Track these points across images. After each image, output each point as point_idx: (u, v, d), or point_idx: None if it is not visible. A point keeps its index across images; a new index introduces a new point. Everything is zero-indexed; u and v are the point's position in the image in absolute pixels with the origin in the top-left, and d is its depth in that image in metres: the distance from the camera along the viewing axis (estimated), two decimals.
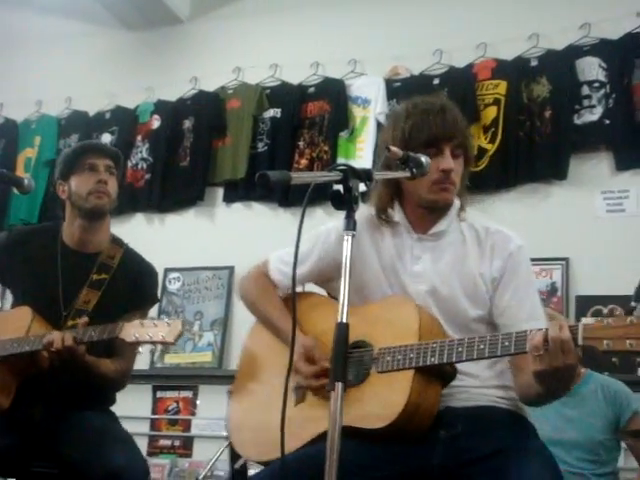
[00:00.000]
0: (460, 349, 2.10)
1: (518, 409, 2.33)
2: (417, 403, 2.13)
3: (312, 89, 5.92)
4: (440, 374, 2.19)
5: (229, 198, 6.04)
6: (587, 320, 1.99)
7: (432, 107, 2.39)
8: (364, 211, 2.51)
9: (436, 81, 5.55)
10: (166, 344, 2.69)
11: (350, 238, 1.96)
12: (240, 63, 6.17)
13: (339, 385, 1.82)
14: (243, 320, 5.60)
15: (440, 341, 2.15)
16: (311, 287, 2.64)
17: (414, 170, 2.15)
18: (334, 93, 5.81)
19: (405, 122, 2.37)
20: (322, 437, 2.11)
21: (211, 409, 5.63)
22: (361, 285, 2.39)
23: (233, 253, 5.84)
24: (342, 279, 1.92)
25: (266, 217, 5.91)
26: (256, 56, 6.12)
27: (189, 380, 5.80)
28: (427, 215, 2.43)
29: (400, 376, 2.16)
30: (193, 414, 5.74)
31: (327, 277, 2.49)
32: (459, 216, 2.45)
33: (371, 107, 5.67)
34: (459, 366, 2.24)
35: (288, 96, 5.99)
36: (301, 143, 5.82)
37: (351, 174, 1.98)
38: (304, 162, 5.75)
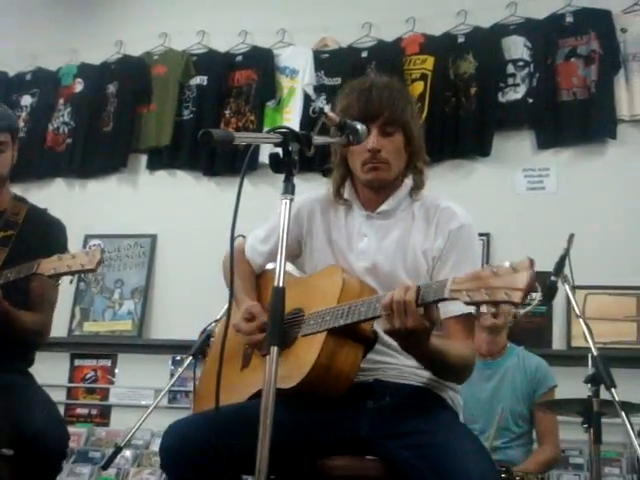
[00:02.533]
0: (362, 308, 2.13)
1: (447, 395, 2.37)
2: (328, 363, 2.15)
3: (240, 58, 5.87)
4: (358, 338, 2.21)
5: (153, 165, 5.96)
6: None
7: (360, 86, 2.41)
8: (323, 190, 2.54)
9: (364, 54, 5.55)
10: (86, 272, 2.64)
11: (288, 202, 1.96)
12: (167, 29, 6.07)
13: (274, 349, 1.84)
14: (164, 289, 5.68)
15: (349, 303, 2.17)
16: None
17: (350, 137, 2.15)
18: (262, 62, 5.77)
19: (340, 103, 2.42)
20: (256, 396, 2.14)
21: (130, 378, 5.59)
22: (314, 264, 2.45)
23: (156, 221, 5.79)
24: (279, 243, 1.95)
25: (190, 185, 5.85)
26: (183, 22, 6.03)
27: (108, 348, 5.73)
28: (375, 194, 2.45)
29: (316, 338, 2.20)
30: (111, 383, 5.68)
31: (292, 254, 2.51)
32: (412, 196, 2.46)
33: (299, 78, 5.65)
34: (395, 344, 2.25)
35: (215, 64, 5.92)
36: (227, 112, 5.77)
37: (291, 137, 1.98)
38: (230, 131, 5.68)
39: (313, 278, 2.41)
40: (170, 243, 5.77)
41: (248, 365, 2.44)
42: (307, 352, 2.18)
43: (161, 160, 5.91)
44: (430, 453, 2.08)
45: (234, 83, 5.83)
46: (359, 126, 2.16)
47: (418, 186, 2.47)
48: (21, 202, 3.24)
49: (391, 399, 2.25)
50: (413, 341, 2.05)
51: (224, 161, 5.67)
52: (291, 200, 1.96)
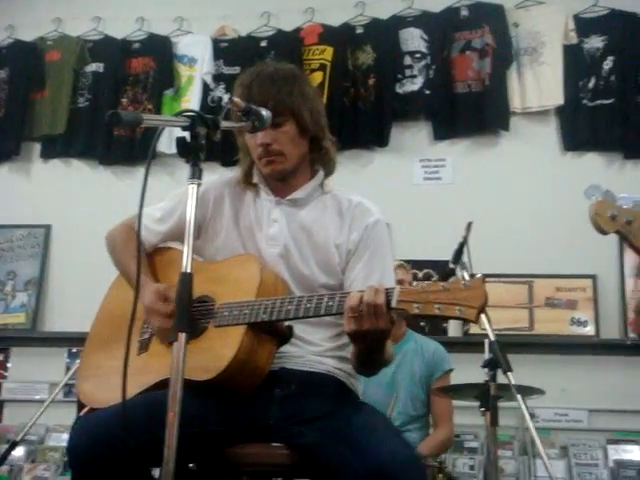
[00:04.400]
0: (289, 307, 2.12)
1: (349, 382, 2.39)
2: (245, 358, 2.15)
3: (137, 45, 5.79)
4: (275, 333, 2.21)
5: (47, 154, 5.82)
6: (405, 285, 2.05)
7: (248, 78, 2.38)
8: (232, 174, 2.51)
9: (263, 43, 5.56)
10: None
11: (195, 187, 1.94)
12: (60, 14, 5.93)
13: (182, 335, 1.82)
14: (59, 280, 5.56)
15: (273, 298, 2.16)
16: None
17: (256, 123, 2.14)
18: (160, 50, 5.71)
19: (234, 94, 2.38)
20: (160, 385, 2.13)
21: (23, 372, 5.45)
22: (217, 247, 2.41)
23: (50, 211, 5.67)
24: (186, 229, 1.93)
25: (86, 174, 5.74)
26: (78, 7, 5.91)
27: (0, 342, 5.58)
28: (283, 183, 2.43)
29: (233, 331, 2.17)
30: (3, 377, 5.53)
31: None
32: (322, 187, 2.46)
33: (197, 66, 5.62)
34: (302, 334, 2.28)
35: (111, 51, 5.82)
36: (124, 100, 5.68)
37: (198, 121, 1.95)
38: None
39: (223, 266, 2.36)
40: (65, 233, 5.65)
41: (147, 349, 2.39)
42: (224, 345, 2.16)
43: (55, 148, 5.78)
44: (345, 435, 2.10)
45: (131, 71, 5.74)
46: (264, 112, 2.14)
47: (329, 170, 2.46)
48: None
49: (297, 387, 2.26)
50: (376, 342, 2.07)
51: (121, 150, 5.59)
52: (198, 185, 1.94)
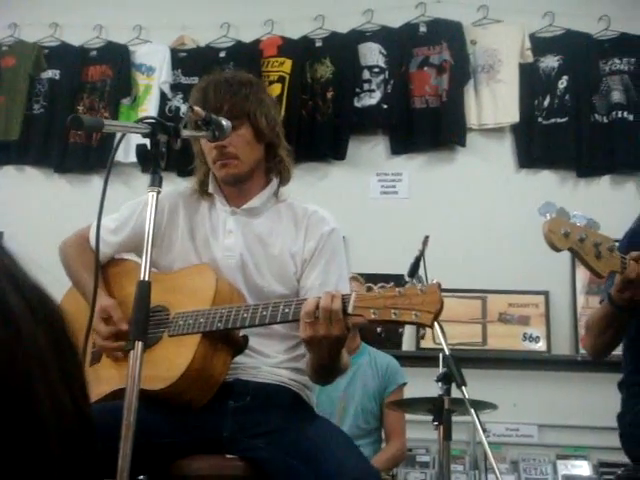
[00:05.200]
0: (245, 315, 2.11)
1: (304, 394, 2.39)
2: (200, 368, 2.14)
3: (94, 52, 5.73)
4: (230, 342, 2.20)
5: (0, 160, 5.73)
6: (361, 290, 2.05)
7: (205, 82, 2.40)
8: (184, 188, 2.49)
9: (222, 54, 5.55)
10: None
11: (155, 195, 1.93)
12: (17, 19, 5.86)
13: (139, 344, 1.81)
14: None
15: (229, 307, 2.15)
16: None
17: (216, 132, 2.14)
18: (117, 58, 5.67)
19: (190, 100, 2.40)
20: (111, 396, 2.14)
21: None
22: (173, 258, 2.40)
23: (2, 218, 5.57)
24: (145, 237, 1.92)
25: (40, 182, 5.66)
26: (35, 13, 5.84)
27: None
28: (237, 190, 2.43)
29: (188, 340, 2.16)
30: None
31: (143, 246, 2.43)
32: (276, 196, 2.46)
33: (155, 75, 5.59)
34: (256, 346, 2.28)
35: (68, 58, 5.76)
36: (80, 107, 5.62)
37: (159, 128, 1.95)
38: None
39: (179, 276, 2.35)
40: (18, 242, 5.56)
41: (99, 361, 2.37)
42: (178, 354, 2.15)
43: (9, 155, 5.69)
44: (301, 449, 2.10)
45: (88, 78, 5.69)
46: (224, 122, 2.15)
47: (284, 178, 2.47)
48: None
49: (252, 398, 2.26)
50: (332, 349, 2.06)
51: (76, 157, 5.53)
52: (158, 192, 1.93)
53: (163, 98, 5.55)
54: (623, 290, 2.27)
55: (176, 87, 5.56)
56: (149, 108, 5.50)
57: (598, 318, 2.49)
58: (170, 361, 2.16)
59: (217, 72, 2.52)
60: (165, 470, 2.19)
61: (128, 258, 2.56)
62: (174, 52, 5.63)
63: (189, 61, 5.57)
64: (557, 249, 2.15)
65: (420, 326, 1.90)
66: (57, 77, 5.73)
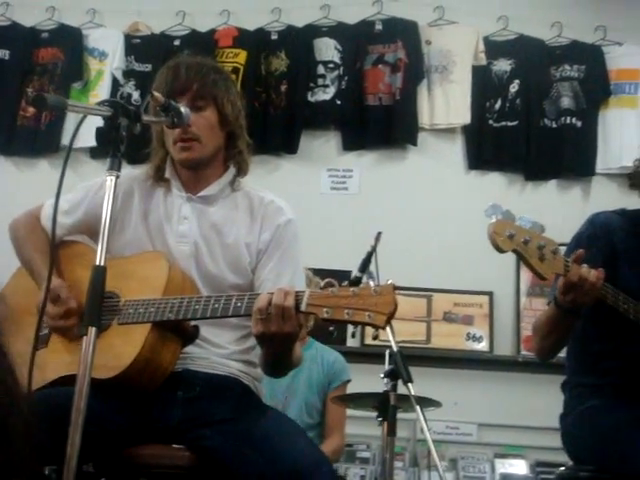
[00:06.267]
0: (197, 307, 2.10)
1: (254, 386, 2.39)
2: (149, 357, 2.12)
3: (46, 34, 5.62)
4: (180, 332, 2.18)
5: None
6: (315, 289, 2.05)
7: (175, 61, 2.42)
8: (140, 171, 2.46)
9: (177, 42, 5.49)
10: None
11: (114, 179, 1.91)
12: None
13: (92, 330, 1.79)
14: None
15: (180, 297, 2.14)
16: None
17: (175, 119, 2.13)
18: (69, 41, 5.57)
19: (154, 84, 2.39)
20: (59, 382, 2.11)
21: None
22: (125, 243, 2.37)
23: None
24: (102, 221, 1.89)
25: None
26: None
27: None
28: (194, 176, 2.42)
29: (138, 329, 2.14)
30: None
31: (96, 231, 2.37)
32: (234, 184, 2.44)
33: (108, 61, 5.51)
34: (207, 335, 2.26)
35: (19, 38, 5.63)
36: (30, 90, 5.51)
37: (121, 111, 1.93)
38: (32, 110, 5.43)
39: (131, 262, 2.32)
40: None
41: (46, 345, 2.33)
42: (127, 343, 2.13)
43: None
44: (254, 440, 2.09)
45: (39, 60, 5.58)
46: (183, 109, 2.15)
47: (242, 170, 2.46)
48: None
49: (201, 389, 2.25)
50: (283, 345, 2.05)
51: (23, 140, 5.44)
52: (117, 177, 1.91)
53: (115, 84, 5.47)
54: (566, 292, 2.32)
55: (129, 73, 5.49)
56: (100, 93, 5.41)
57: (544, 320, 2.54)
58: (118, 350, 2.13)
59: (188, 55, 2.51)
60: (112, 458, 2.17)
61: (79, 240, 2.52)
62: (128, 38, 5.56)
63: (143, 48, 5.51)
64: (501, 250, 2.19)
65: (373, 327, 1.89)
66: (6, 57, 5.61)
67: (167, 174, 2.44)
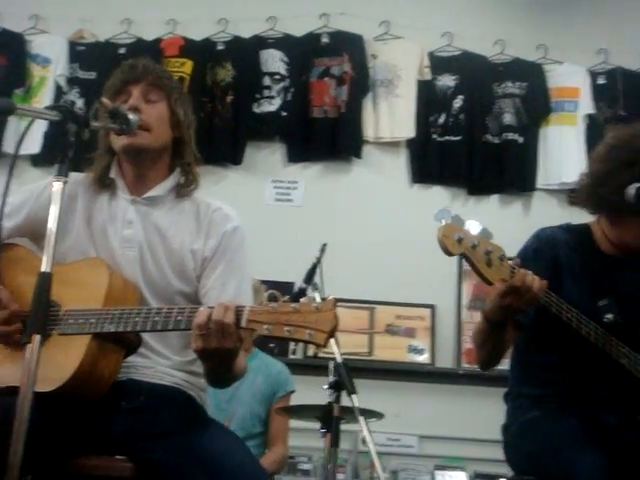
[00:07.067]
0: (137, 319, 2.06)
1: (198, 396, 2.36)
2: (90, 370, 2.08)
3: None
4: (122, 342, 2.15)
5: None
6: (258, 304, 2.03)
7: (134, 60, 2.41)
8: (84, 175, 2.42)
9: (122, 50, 5.45)
10: None
11: (62, 185, 1.88)
12: None
13: (37, 337, 1.75)
14: None
15: (121, 309, 2.10)
16: None
17: (123, 126, 2.13)
18: (12, 47, 5.51)
19: (109, 81, 2.39)
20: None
21: None
22: (67, 248, 2.31)
23: None
24: (49, 228, 1.86)
25: None
26: None
27: None
28: (138, 174, 2.38)
29: (78, 340, 2.10)
30: None
31: (39, 233, 2.31)
32: (179, 191, 2.40)
33: (51, 67, 5.46)
34: (151, 343, 2.24)
35: None
36: None
37: (70, 117, 1.91)
38: None
39: (72, 269, 2.26)
40: None
41: None
42: (67, 355, 2.08)
43: None
44: (197, 455, 2.08)
45: None
46: (131, 116, 2.15)
47: (189, 181, 2.42)
48: None
49: (145, 399, 2.22)
50: (224, 359, 2.03)
51: None
52: (65, 183, 1.88)
53: (59, 91, 5.41)
54: (505, 295, 2.33)
55: (73, 81, 5.43)
56: (43, 100, 5.35)
57: (478, 331, 2.57)
58: (59, 362, 2.08)
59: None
60: (53, 470, 2.13)
61: (19, 244, 2.47)
62: (72, 45, 5.51)
63: (87, 55, 5.46)
64: (450, 254, 2.20)
65: (313, 345, 1.87)
66: None
67: (112, 174, 2.40)
